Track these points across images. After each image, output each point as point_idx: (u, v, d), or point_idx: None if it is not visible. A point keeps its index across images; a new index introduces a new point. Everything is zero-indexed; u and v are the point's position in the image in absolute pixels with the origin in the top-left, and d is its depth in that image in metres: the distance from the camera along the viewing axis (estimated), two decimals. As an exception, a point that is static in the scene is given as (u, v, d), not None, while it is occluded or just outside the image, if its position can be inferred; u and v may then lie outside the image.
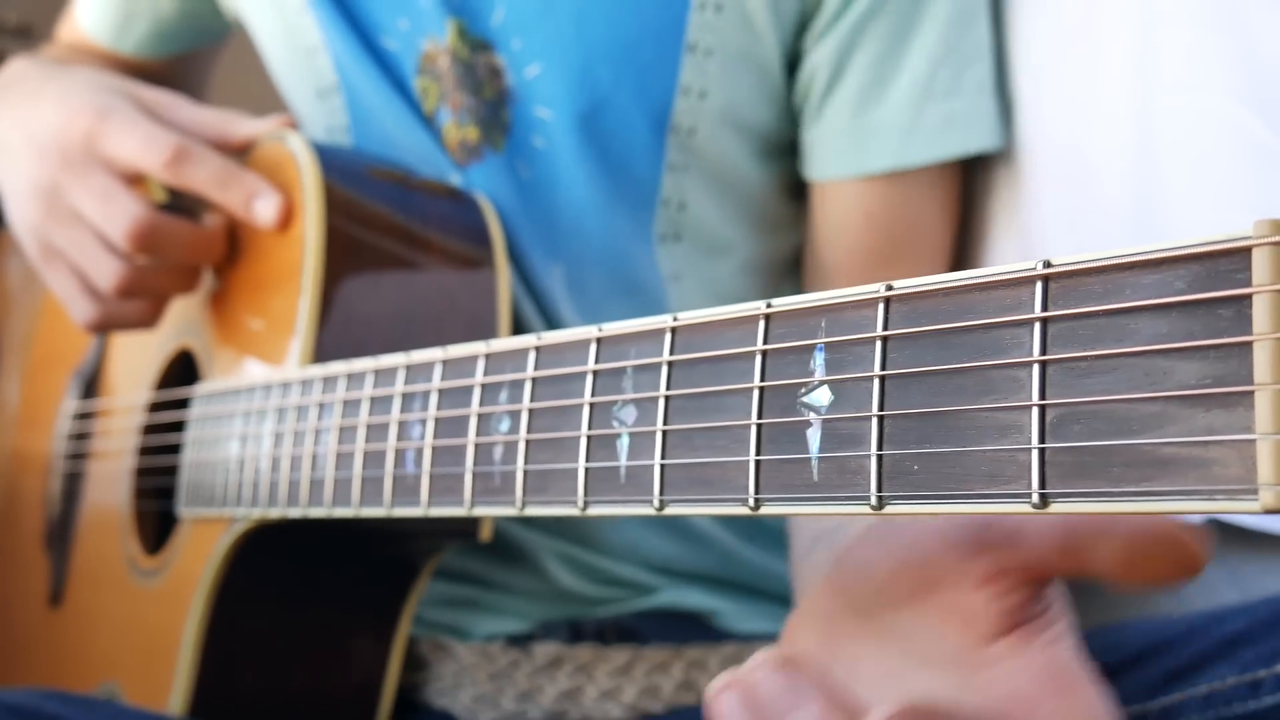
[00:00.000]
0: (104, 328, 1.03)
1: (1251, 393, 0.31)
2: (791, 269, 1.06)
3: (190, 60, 1.31)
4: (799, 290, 1.05)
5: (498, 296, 0.96)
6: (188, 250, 0.98)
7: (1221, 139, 0.85)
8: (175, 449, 0.99)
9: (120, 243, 0.94)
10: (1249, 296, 0.31)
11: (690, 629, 1.04)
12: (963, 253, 1.03)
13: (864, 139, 0.96)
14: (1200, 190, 0.86)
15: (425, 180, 1.01)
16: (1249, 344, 0.31)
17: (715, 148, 1.00)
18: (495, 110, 1.01)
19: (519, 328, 1.01)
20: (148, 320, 1.02)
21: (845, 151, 0.97)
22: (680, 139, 0.99)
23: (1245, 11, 0.84)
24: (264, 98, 1.21)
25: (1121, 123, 0.90)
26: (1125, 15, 0.90)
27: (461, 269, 0.96)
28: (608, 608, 1.04)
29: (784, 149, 1.01)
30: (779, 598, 1.06)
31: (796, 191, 1.03)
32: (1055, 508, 0.35)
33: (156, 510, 1.08)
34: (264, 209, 0.93)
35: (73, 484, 1.21)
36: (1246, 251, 0.31)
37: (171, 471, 0.99)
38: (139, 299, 1.00)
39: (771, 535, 1.06)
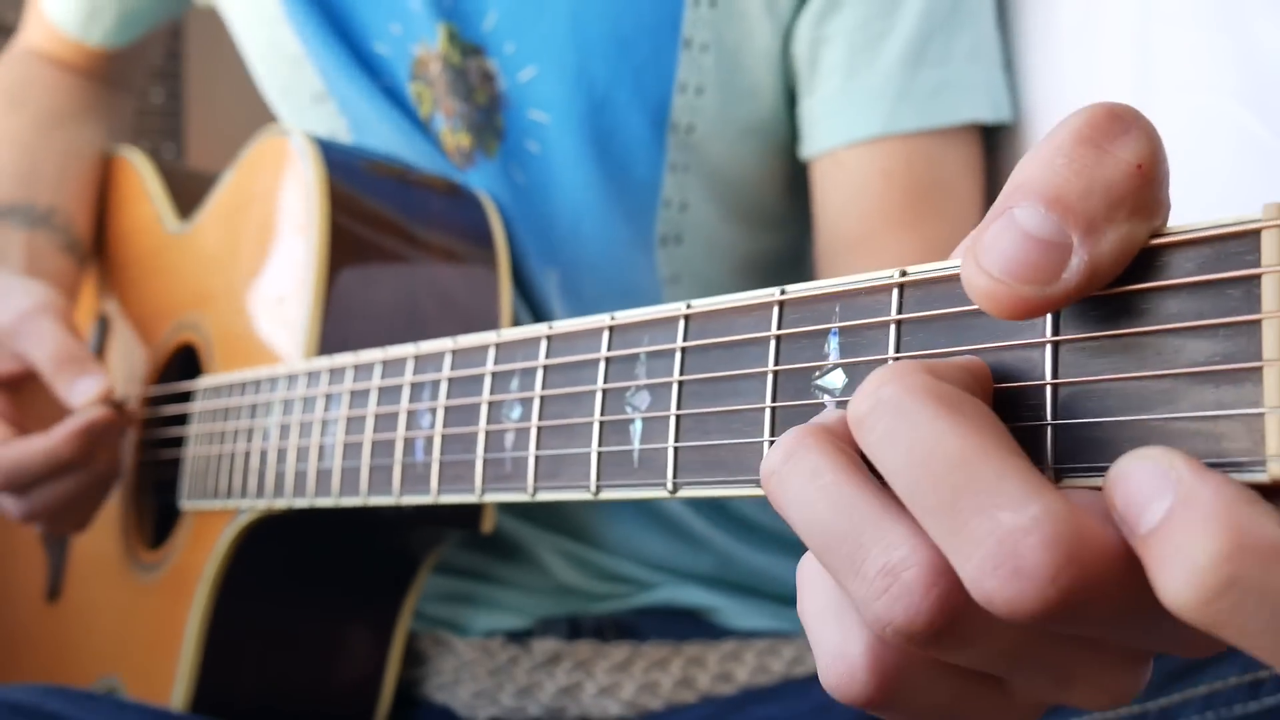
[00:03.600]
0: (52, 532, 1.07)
1: (1260, 369, 0.32)
2: (789, 267, 1.06)
3: (150, 36, 1.32)
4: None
5: (499, 292, 0.96)
6: (47, 469, 0.98)
7: (1221, 139, 0.85)
8: (177, 442, 0.99)
9: None
10: (1258, 277, 0.32)
11: (689, 626, 1.04)
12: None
13: (856, 102, 0.96)
14: (1200, 190, 0.86)
15: (427, 176, 1.02)
16: (1258, 322, 0.32)
17: (715, 145, 1.00)
18: (488, 116, 1.01)
19: (524, 323, 1.01)
20: (81, 524, 1.06)
21: (839, 115, 0.97)
22: (680, 137, 0.99)
23: (1246, 12, 0.84)
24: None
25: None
26: (1125, 15, 0.91)
27: (463, 265, 0.97)
28: (606, 604, 1.04)
29: (784, 143, 1.02)
30: (777, 597, 1.06)
31: (796, 187, 1.03)
32: (1068, 483, 0.36)
33: (156, 504, 1.08)
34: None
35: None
36: (1256, 234, 0.32)
37: (172, 465, 0.99)
38: (48, 518, 1.02)
39: (768, 536, 1.07)
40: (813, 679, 0.99)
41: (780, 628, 1.04)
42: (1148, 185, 0.35)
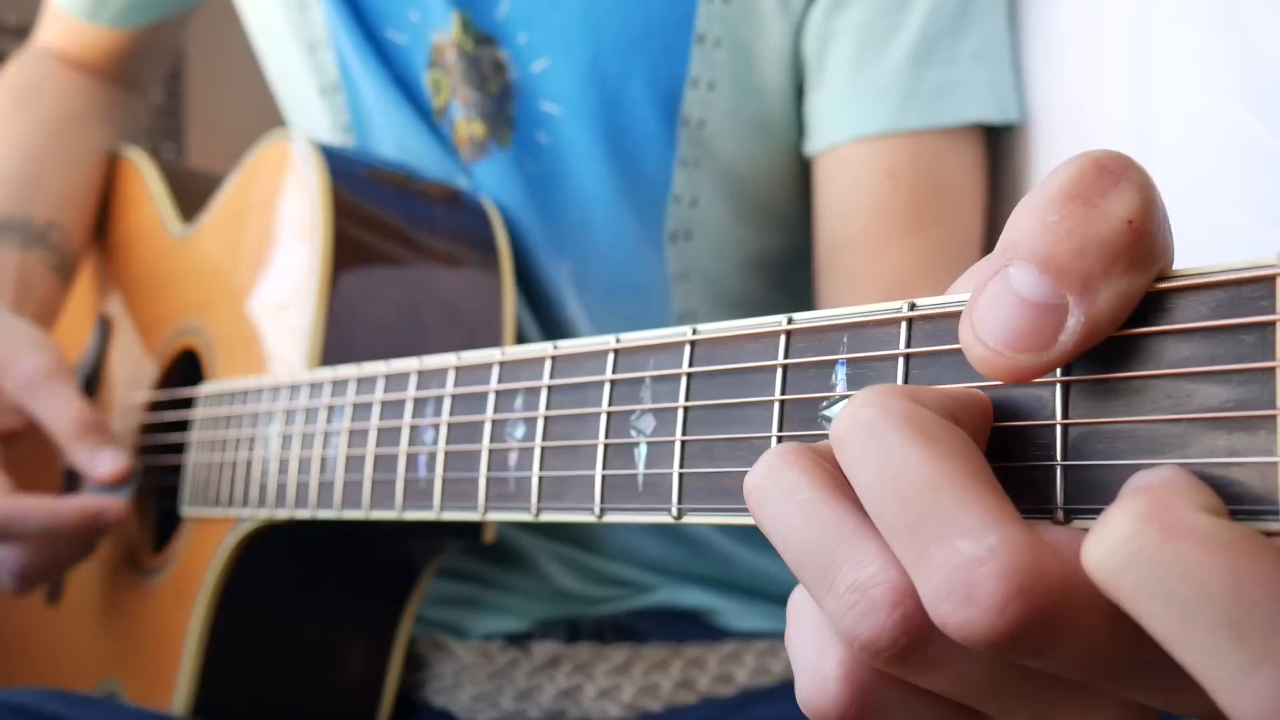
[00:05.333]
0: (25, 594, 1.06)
1: (1274, 416, 0.31)
2: (798, 268, 1.06)
3: (164, 26, 1.31)
4: (804, 290, 1.05)
5: (503, 300, 0.96)
6: (43, 530, 0.96)
7: (1221, 139, 0.85)
8: (178, 448, 0.99)
9: None
10: (1273, 324, 0.31)
11: (688, 627, 1.04)
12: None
13: (863, 99, 0.96)
14: (1200, 190, 0.86)
15: (431, 184, 1.02)
16: (1273, 369, 0.31)
17: (726, 141, 0.99)
18: (500, 105, 1.01)
19: (524, 323, 1.01)
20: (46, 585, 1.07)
21: (845, 111, 0.96)
22: (690, 132, 0.99)
23: (1245, 11, 0.84)
24: (266, 93, 1.21)
25: (1121, 123, 0.90)
26: (1125, 15, 0.91)
27: (467, 273, 0.97)
28: (606, 606, 1.04)
29: (794, 142, 1.01)
30: (777, 597, 1.06)
31: (806, 187, 1.03)
32: (1078, 524, 0.35)
33: (158, 508, 1.08)
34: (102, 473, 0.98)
35: (71, 482, 1.21)
36: (1271, 279, 0.32)
37: (174, 471, 0.99)
38: (37, 579, 1.01)
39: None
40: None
41: (780, 629, 1.04)
42: (1141, 239, 0.34)
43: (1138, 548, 0.30)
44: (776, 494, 0.38)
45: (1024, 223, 0.35)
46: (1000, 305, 0.35)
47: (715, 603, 1.05)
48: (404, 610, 0.98)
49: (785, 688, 1.00)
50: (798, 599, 0.41)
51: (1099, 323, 0.34)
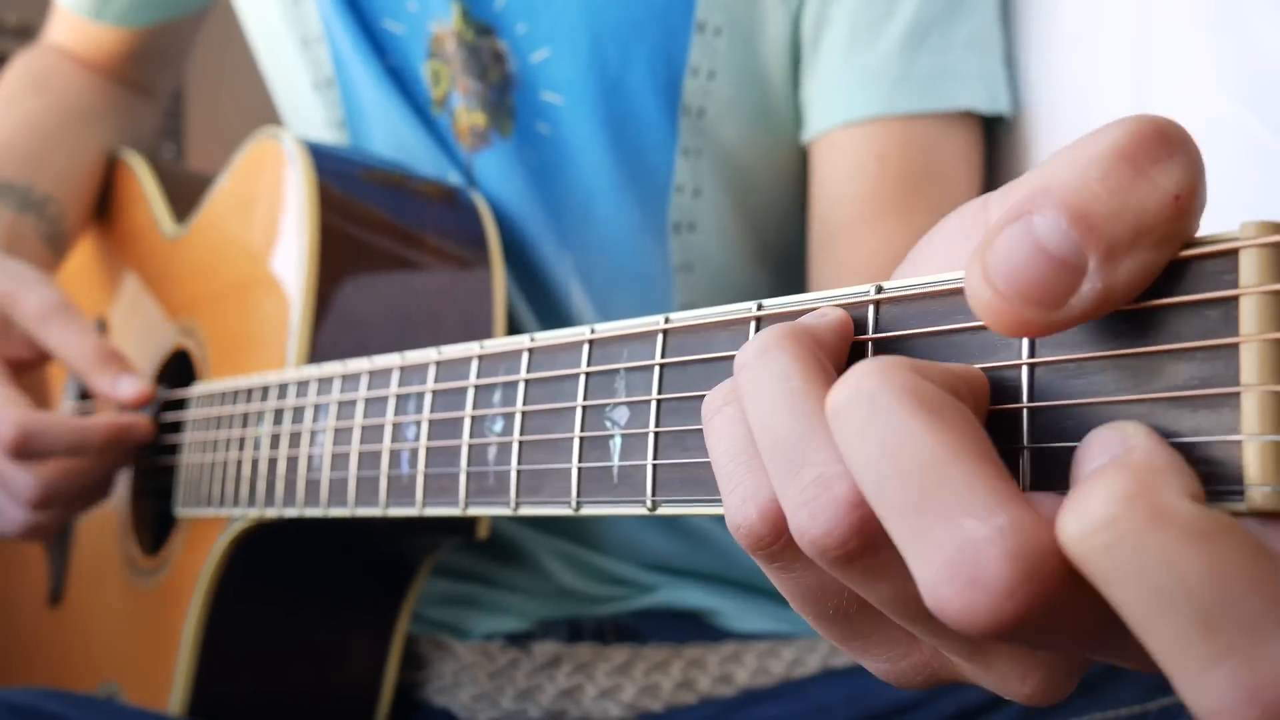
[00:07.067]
0: (33, 536, 1.03)
1: (1238, 394, 0.31)
2: (800, 258, 1.05)
3: (172, 30, 1.31)
4: (806, 281, 1.04)
5: (493, 298, 0.96)
6: (70, 446, 0.95)
7: (1221, 139, 0.84)
8: (172, 449, 0.99)
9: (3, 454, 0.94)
10: (1236, 298, 0.31)
11: (689, 628, 1.04)
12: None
13: (855, 82, 0.95)
14: (1199, 190, 0.86)
15: (421, 181, 1.01)
16: (1236, 345, 0.31)
17: (727, 130, 0.99)
18: (501, 95, 1.01)
19: (526, 317, 1.01)
20: (56, 529, 1.03)
21: (836, 95, 0.96)
22: (691, 121, 0.99)
23: (1245, 11, 0.84)
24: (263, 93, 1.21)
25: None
26: (1125, 15, 0.90)
27: (457, 271, 0.96)
28: (607, 606, 1.04)
29: (795, 131, 1.01)
30: (777, 596, 1.06)
31: (805, 175, 1.03)
32: None
33: (155, 510, 1.08)
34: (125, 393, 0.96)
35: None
36: (1234, 253, 0.31)
37: (169, 472, 0.99)
38: (54, 509, 0.99)
39: None
40: (812, 680, 0.99)
41: (780, 629, 1.04)
42: (1181, 218, 0.32)
43: (1120, 532, 0.29)
44: (766, 376, 0.38)
45: (1062, 172, 0.33)
46: (1017, 248, 0.33)
47: (716, 603, 1.04)
48: (400, 607, 0.97)
49: (785, 688, 1.00)
50: (712, 405, 0.41)
51: (1114, 293, 0.32)
